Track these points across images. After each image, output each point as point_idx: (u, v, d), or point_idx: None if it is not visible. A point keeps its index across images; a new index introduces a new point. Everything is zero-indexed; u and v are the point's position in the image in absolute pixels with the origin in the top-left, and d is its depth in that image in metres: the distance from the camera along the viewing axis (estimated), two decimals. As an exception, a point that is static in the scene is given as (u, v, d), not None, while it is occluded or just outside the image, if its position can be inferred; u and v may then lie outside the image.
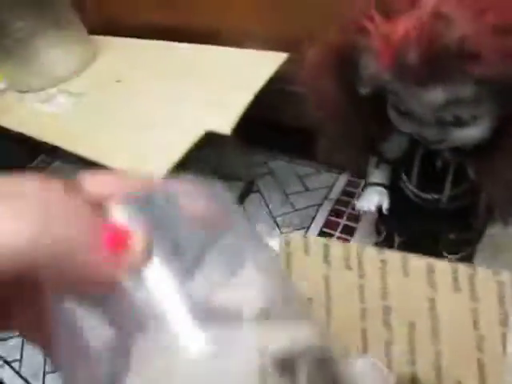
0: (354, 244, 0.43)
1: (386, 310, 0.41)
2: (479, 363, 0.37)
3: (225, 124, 0.54)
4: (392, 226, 0.64)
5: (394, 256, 0.41)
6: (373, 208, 0.54)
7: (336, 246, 0.44)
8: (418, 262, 0.41)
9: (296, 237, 0.46)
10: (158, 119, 0.61)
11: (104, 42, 0.91)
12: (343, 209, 0.88)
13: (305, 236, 0.46)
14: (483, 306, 0.38)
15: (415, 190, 0.52)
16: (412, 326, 0.40)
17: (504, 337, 0.37)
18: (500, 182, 0.40)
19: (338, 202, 0.91)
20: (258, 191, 1.04)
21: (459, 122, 0.37)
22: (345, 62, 0.38)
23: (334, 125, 0.49)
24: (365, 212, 0.55)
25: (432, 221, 0.55)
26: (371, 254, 0.42)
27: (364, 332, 0.41)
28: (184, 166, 1.05)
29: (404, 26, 0.31)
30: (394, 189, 0.55)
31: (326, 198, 0.94)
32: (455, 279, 0.39)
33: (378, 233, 0.70)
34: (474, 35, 0.28)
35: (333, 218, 0.89)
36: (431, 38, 0.29)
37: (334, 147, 0.51)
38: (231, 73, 0.65)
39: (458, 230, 0.56)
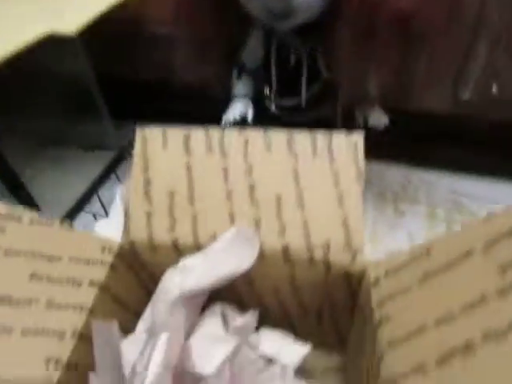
0: (214, 129, 0.40)
1: (252, 188, 0.39)
2: (342, 220, 0.37)
3: (70, 25, 0.48)
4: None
5: (255, 134, 0.40)
6: (237, 117, 0.53)
7: (196, 134, 0.41)
8: (278, 136, 0.40)
9: (153, 131, 0.42)
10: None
11: None
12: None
13: (163, 129, 0.42)
14: (341, 166, 0.38)
15: (275, 98, 0.53)
16: (278, 199, 0.38)
17: (360, 192, 0.38)
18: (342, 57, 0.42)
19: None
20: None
21: None
22: None
23: (192, 34, 0.46)
24: (231, 124, 0.54)
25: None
26: (233, 134, 0.40)
27: (231, 214, 0.39)
28: (57, 140, 0.94)
29: None
30: (257, 103, 0.55)
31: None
32: (314, 146, 0.39)
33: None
34: None
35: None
36: None
37: (195, 61, 0.49)
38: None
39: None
